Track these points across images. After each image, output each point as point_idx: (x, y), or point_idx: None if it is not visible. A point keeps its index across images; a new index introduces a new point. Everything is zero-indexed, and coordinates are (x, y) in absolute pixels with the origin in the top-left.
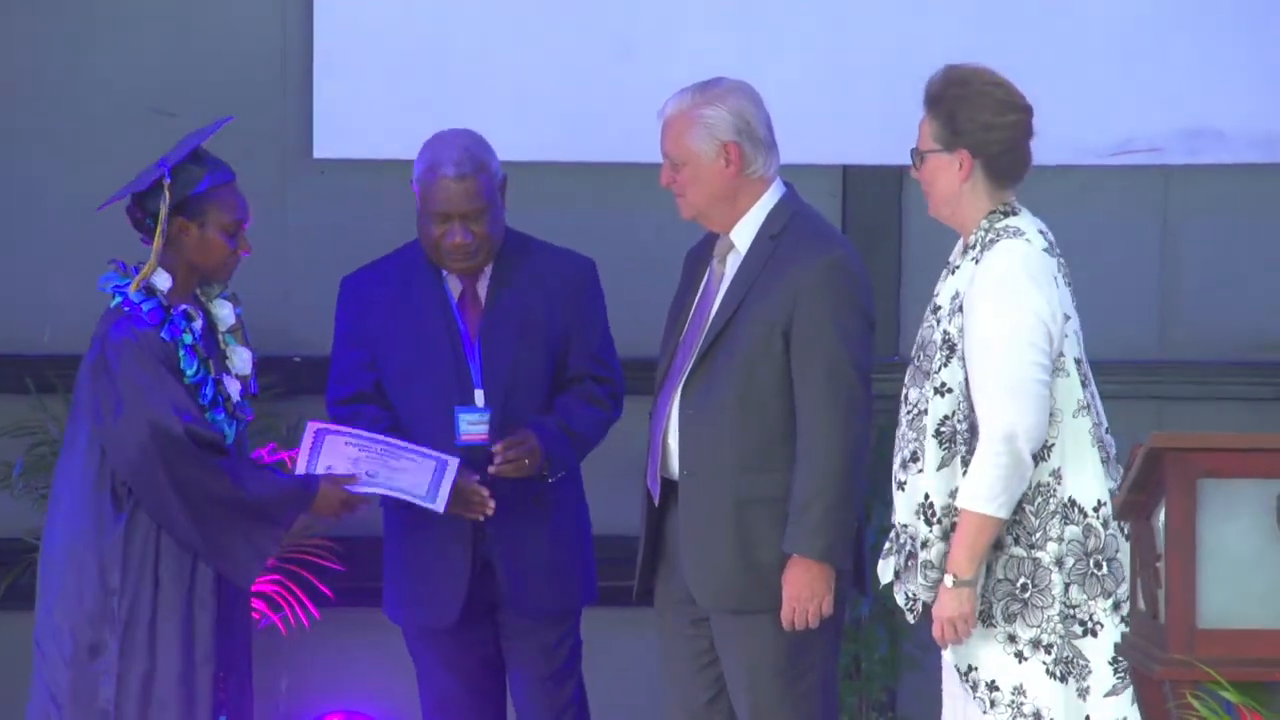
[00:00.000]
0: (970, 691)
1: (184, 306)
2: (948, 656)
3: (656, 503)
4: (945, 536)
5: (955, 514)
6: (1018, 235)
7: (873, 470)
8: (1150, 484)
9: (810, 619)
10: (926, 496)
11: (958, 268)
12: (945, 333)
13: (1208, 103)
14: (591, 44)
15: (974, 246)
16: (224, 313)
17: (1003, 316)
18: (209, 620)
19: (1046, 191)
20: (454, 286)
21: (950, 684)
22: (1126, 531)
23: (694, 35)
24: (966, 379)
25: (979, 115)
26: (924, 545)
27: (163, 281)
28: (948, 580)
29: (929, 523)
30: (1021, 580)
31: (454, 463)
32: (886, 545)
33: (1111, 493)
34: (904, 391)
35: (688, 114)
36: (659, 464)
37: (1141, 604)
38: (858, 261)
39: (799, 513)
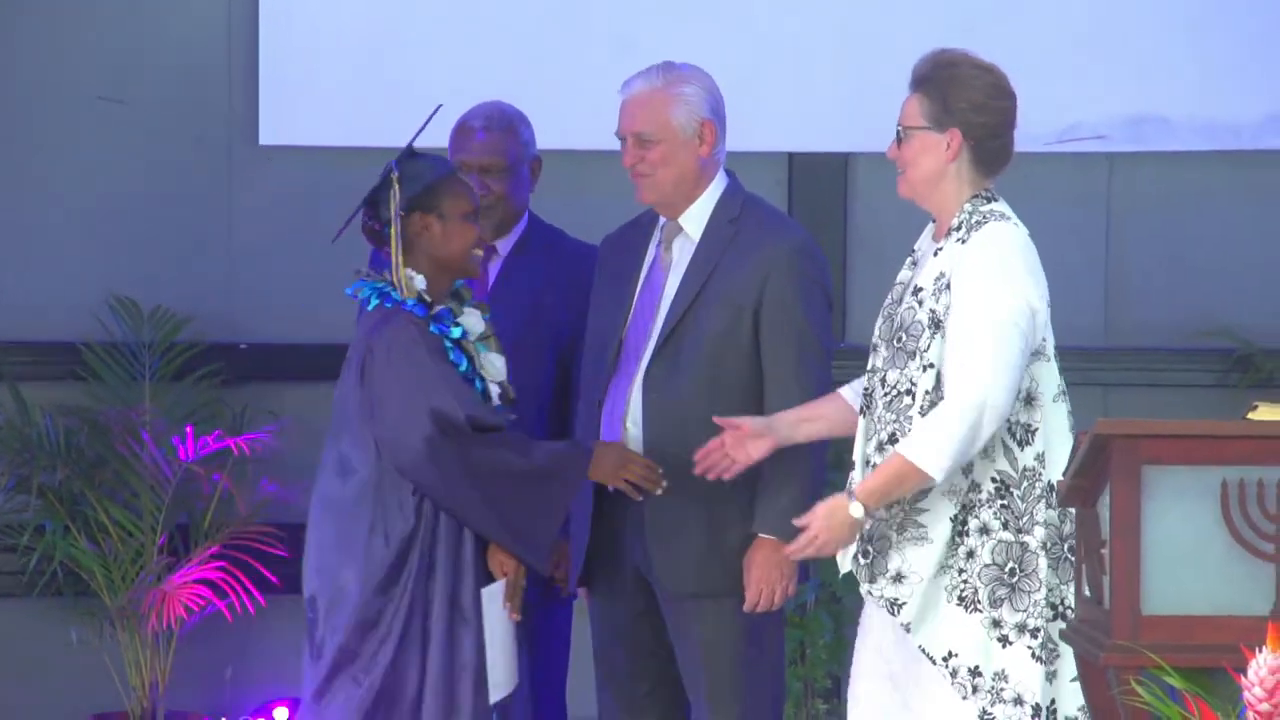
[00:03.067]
0: (948, 678)
1: (445, 306)
2: (881, 647)
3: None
4: (904, 518)
5: (922, 497)
6: (1005, 219)
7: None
8: (1095, 470)
9: (776, 601)
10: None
11: (940, 249)
12: (932, 311)
13: (1152, 90)
14: (535, 29)
15: (958, 228)
16: (473, 321)
17: (997, 296)
18: (471, 635)
19: None
20: None
21: (872, 677)
22: None
23: (638, 20)
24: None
25: (973, 96)
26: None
27: (419, 283)
28: (855, 508)
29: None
30: (1010, 565)
31: None
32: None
33: None
34: (878, 374)
35: (664, 91)
36: None
37: (1086, 590)
38: (817, 245)
39: (771, 494)
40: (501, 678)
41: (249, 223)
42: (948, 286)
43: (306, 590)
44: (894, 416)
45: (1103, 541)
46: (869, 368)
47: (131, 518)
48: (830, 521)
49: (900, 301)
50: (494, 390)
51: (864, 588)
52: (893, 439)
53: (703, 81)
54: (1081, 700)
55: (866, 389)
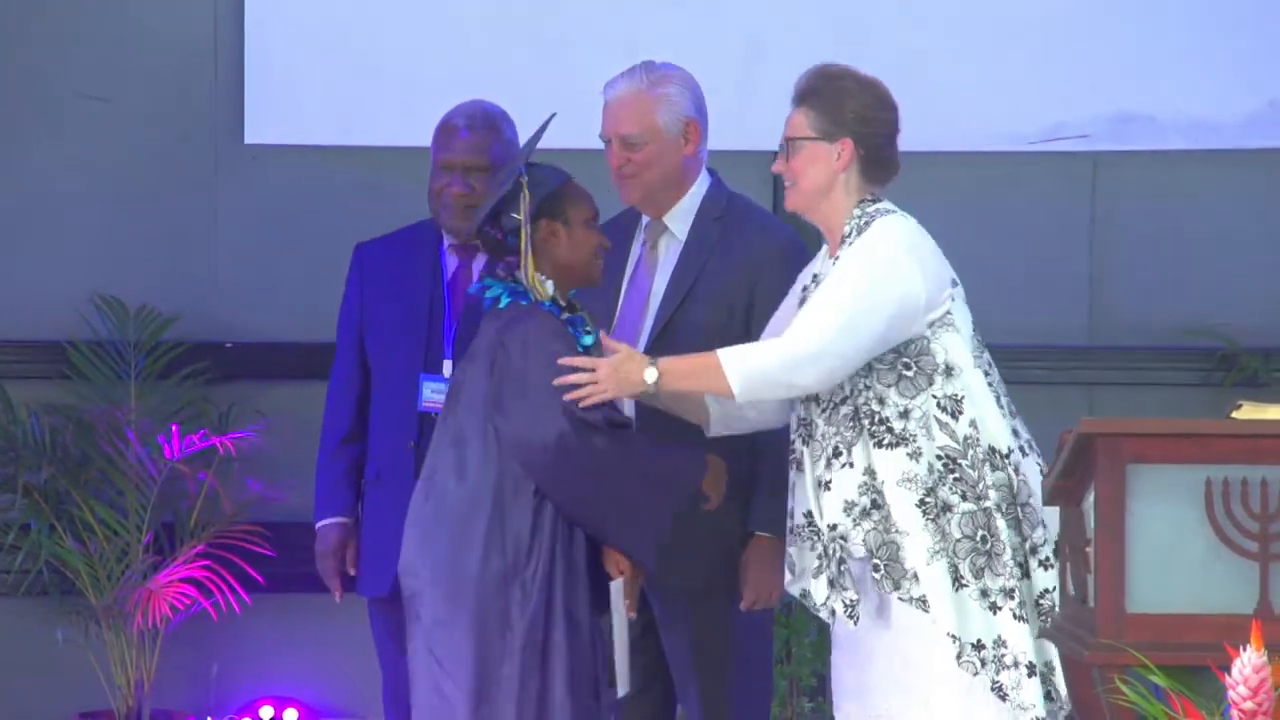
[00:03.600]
0: (954, 660)
1: (577, 314)
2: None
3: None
4: (885, 522)
5: (884, 497)
6: (891, 213)
7: None
8: (1080, 469)
9: (773, 600)
10: (868, 470)
11: (837, 260)
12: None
13: (1137, 89)
14: (520, 27)
15: (849, 235)
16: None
17: (871, 275)
18: (591, 635)
19: (977, 177)
20: (451, 262)
21: (850, 698)
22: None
23: (624, 17)
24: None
25: (861, 107)
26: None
27: (549, 287)
28: (650, 373)
29: (865, 509)
30: (980, 533)
31: None
32: (815, 564)
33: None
34: (811, 398)
35: (649, 92)
36: None
37: (1071, 588)
38: (803, 242)
39: (769, 492)
40: (624, 674)
41: (234, 222)
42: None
43: (408, 589)
44: (835, 430)
45: (1087, 540)
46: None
47: (117, 516)
48: (619, 373)
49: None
50: None
51: (888, 594)
52: (837, 452)
53: (685, 80)
54: (1046, 657)
55: (802, 418)
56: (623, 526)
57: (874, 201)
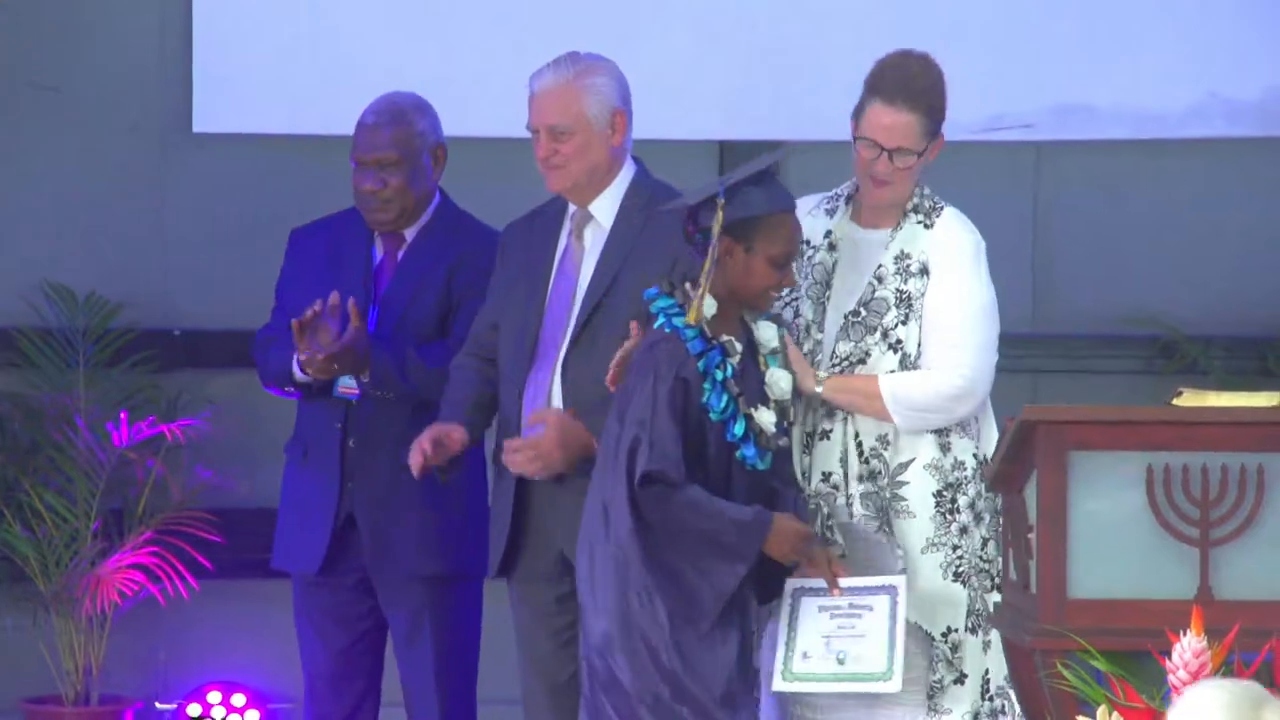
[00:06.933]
0: (947, 652)
1: (726, 338)
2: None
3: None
4: (872, 475)
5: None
6: (951, 206)
7: None
8: (1022, 456)
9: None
10: (857, 435)
11: (899, 230)
12: (899, 291)
13: (1079, 80)
14: (465, 18)
15: (915, 211)
16: (768, 335)
17: (979, 283)
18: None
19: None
20: (379, 250)
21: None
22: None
23: (570, 7)
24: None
25: (943, 98)
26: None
27: (709, 308)
28: (817, 383)
29: (860, 459)
30: (991, 541)
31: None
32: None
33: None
34: (822, 347)
35: (575, 83)
36: None
37: (1013, 574)
38: None
39: None
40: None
41: (183, 210)
42: (923, 270)
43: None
44: None
45: (1029, 526)
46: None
47: (66, 503)
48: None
49: (827, 280)
50: (768, 417)
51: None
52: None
53: (611, 71)
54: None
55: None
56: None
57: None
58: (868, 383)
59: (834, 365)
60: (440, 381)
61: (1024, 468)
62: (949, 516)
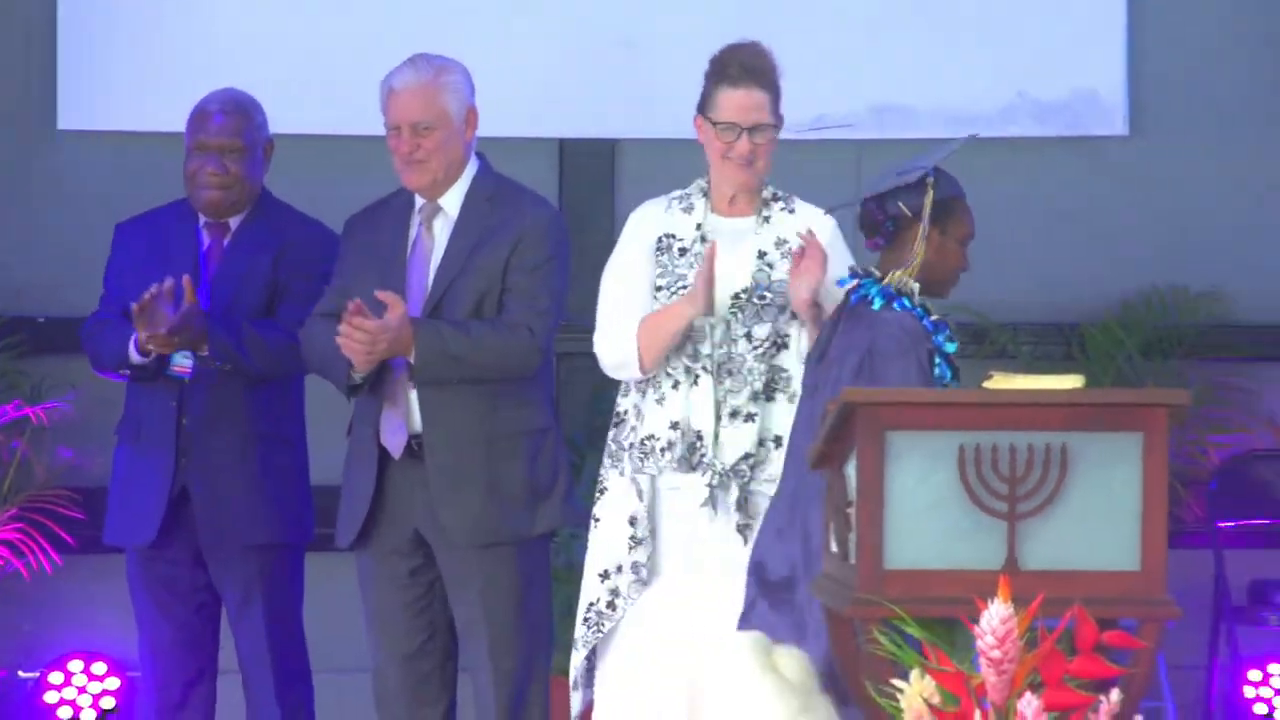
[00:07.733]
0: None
1: (936, 318)
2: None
3: (397, 455)
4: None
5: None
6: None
7: (588, 420)
8: (843, 436)
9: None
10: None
11: (768, 217)
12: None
13: (897, 81)
14: (307, 19)
15: (773, 199)
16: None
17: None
18: None
19: None
20: (204, 239)
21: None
22: None
23: (410, 5)
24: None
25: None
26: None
27: (915, 287)
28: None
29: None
30: None
31: None
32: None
33: None
34: (734, 333)
35: (435, 81)
36: (404, 418)
37: (833, 546)
38: (564, 221)
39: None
40: None
41: (48, 203)
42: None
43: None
44: (764, 367)
45: (849, 501)
46: (711, 339)
47: None
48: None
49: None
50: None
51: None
52: (768, 388)
53: (462, 70)
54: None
55: (708, 353)
56: None
57: None
58: None
59: (754, 347)
60: (278, 354)
61: (844, 446)
62: None
